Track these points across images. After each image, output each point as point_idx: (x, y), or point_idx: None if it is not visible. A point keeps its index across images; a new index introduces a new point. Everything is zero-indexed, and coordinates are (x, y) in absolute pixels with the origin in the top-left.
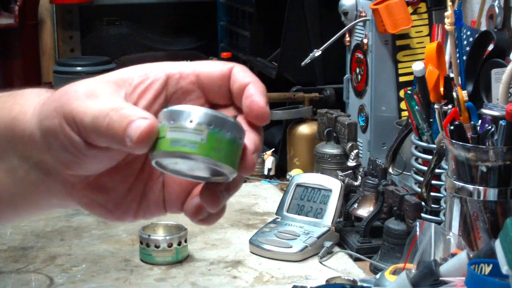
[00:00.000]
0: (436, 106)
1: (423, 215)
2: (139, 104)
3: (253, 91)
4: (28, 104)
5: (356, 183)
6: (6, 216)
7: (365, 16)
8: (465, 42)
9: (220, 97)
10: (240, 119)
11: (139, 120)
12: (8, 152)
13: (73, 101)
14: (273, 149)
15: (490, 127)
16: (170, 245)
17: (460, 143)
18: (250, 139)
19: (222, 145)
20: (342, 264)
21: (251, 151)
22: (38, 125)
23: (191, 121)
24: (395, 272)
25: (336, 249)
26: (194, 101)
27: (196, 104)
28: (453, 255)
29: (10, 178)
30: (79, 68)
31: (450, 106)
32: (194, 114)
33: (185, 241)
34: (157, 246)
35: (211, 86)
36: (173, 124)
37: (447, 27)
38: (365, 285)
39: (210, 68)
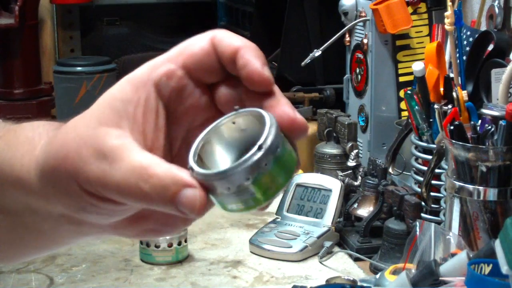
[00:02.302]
0: (436, 106)
1: (423, 215)
2: (147, 131)
3: (246, 59)
4: (26, 158)
5: (356, 183)
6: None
7: (365, 16)
8: (465, 42)
9: (216, 75)
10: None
11: (189, 190)
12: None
13: (83, 168)
14: None
15: (490, 127)
16: (170, 245)
17: (460, 143)
18: (279, 107)
19: (273, 175)
20: (342, 264)
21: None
22: (50, 190)
23: (228, 188)
24: (395, 272)
25: (336, 249)
26: (193, 93)
27: (197, 93)
28: (453, 255)
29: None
30: (79, 68)
31: (450, 106)
32: (228, 177)
33: (185, 241)
34: (157, 246)
35: (201, 71)
36: (215, 195)
37: (447, 27)
38: (365, 285)
39: (191, 50)
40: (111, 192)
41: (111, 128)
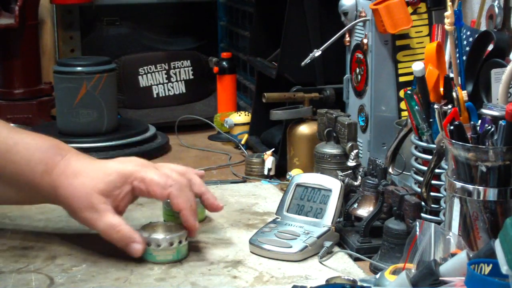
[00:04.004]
0: (436, 106)
1: (423, 215)
2: (120, 207)
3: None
4: (44, 179)
5: (356, 183)
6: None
7: (365, 16)
8: (464, 42)
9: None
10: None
11: (137, 245)
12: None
13: (81, 211)
14: (273, 149)
15: (490, 127)
16: (171, 244)
17: (460, 143)
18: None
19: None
20: (342, 264)
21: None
22: (59, 203)
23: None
24: (395, 272)
25: (336, 249)
26: (128, 194)
27: (130, 194)
28: (453, 255)
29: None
30: (79, 68)
31: (450, 106)
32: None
33: (186, 240)
34: (158, 245)
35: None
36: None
37: (447, 27)
38: (365, 285)
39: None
40: (95, 229)
41: (102, 196)
